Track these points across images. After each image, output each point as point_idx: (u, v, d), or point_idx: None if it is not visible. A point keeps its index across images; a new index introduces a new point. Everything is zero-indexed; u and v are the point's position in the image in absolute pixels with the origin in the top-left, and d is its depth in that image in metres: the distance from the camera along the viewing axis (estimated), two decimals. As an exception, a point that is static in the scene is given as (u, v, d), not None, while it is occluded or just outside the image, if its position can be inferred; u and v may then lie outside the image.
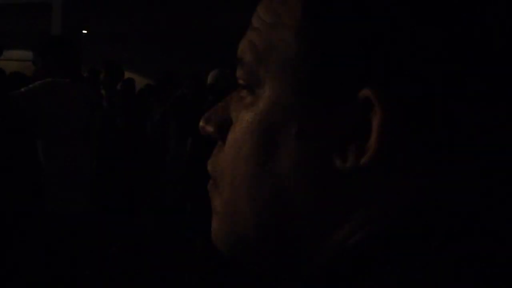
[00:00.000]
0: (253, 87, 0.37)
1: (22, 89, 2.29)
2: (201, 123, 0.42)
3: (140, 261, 3.63)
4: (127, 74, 5.06)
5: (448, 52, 0.32)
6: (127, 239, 3.97)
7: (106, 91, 4.49)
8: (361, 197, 0.34)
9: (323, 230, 0.36)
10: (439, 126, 0.33)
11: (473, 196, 0.34)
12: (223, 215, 0.40)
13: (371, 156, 0.33)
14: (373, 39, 0.32)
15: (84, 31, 8.15)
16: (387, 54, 0.32)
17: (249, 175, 0.37)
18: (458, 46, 0.32)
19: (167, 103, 4.23)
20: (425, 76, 0.32)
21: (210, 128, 0.41)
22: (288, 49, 0.35)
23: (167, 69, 5.26)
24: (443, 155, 0.33)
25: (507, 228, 0.33)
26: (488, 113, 0.33)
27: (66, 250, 2.40)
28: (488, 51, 0.32)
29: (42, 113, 2.28)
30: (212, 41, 8.95)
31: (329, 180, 0.35)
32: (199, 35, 9.10)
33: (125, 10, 8.42)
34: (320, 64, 0.34)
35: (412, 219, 0.33)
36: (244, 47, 0.38)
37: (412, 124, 0.32)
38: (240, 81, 0.39)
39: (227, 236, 0.40)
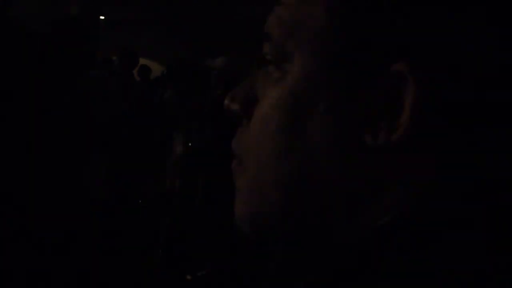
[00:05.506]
0: (281, 62, 0.37)
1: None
2: (226, 101, 0.41)
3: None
4: (144, 62, 5.06)
5: (490, 34, 0.31)
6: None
7: (121, 78, 4.45)
8: (391, 175, 0.33)
9: (350, 210, 0.35)
10: (472, 106, 0.32)
11: (505, 175, 0.32)
12: (248, 193, 0.39)
13: (403, 132, 0.32)
14: (410, 10, 0.31)
15: (102, 17, 8.16)
16: (423, 27, 0.31)
17: (276, 151, 0.36)
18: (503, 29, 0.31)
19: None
20: (461, 53, 0.31)
21: (235, 106, 0.40)
22: (318, 24, 0.34)
23: (183, 56, 5.22)
24: (475, 135, 0.32)
25: None
26: None
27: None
28: None
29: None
30: (232, 29, 8.94)
31: (359, 157, 0.34)
32: (218, 23, 9.08)
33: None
34: (351, 38, 0.33)
35: (442, 200, 0.32)
36: (272, 22, 0.38)
37: (445, 102, 0.31)
38: (268, 57, 0.38)
39: (251, 214, 0.39)
